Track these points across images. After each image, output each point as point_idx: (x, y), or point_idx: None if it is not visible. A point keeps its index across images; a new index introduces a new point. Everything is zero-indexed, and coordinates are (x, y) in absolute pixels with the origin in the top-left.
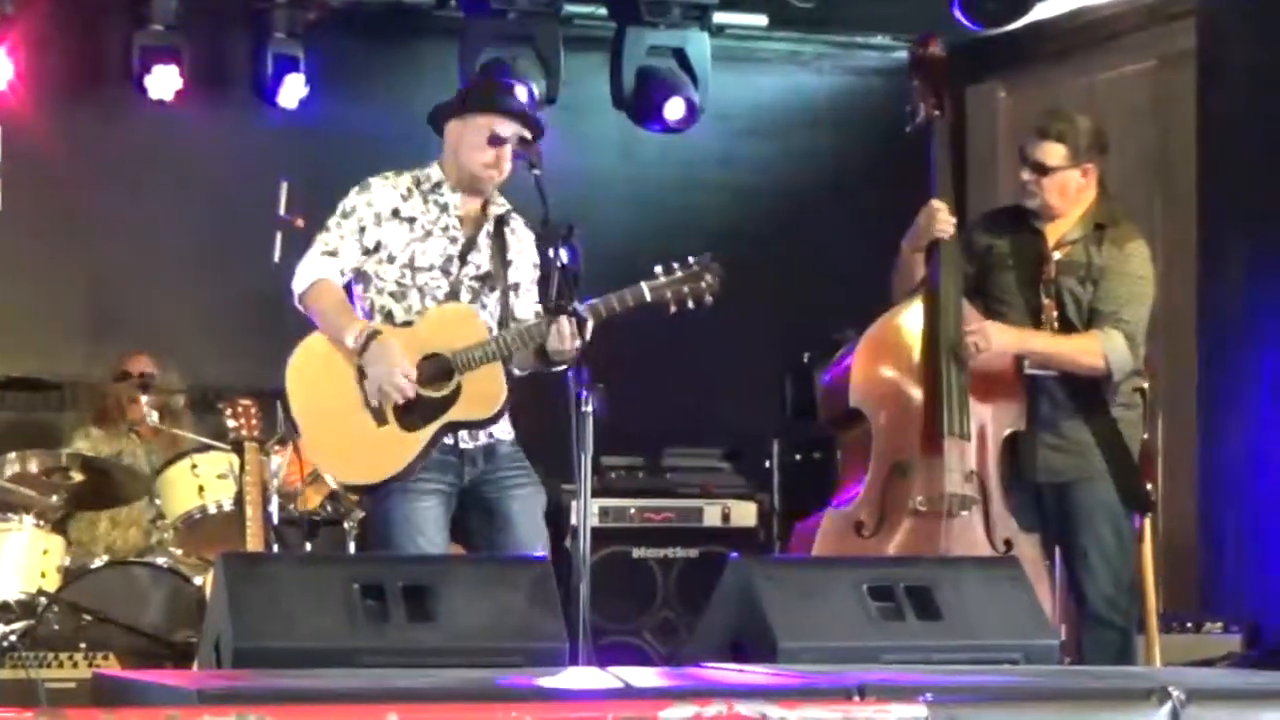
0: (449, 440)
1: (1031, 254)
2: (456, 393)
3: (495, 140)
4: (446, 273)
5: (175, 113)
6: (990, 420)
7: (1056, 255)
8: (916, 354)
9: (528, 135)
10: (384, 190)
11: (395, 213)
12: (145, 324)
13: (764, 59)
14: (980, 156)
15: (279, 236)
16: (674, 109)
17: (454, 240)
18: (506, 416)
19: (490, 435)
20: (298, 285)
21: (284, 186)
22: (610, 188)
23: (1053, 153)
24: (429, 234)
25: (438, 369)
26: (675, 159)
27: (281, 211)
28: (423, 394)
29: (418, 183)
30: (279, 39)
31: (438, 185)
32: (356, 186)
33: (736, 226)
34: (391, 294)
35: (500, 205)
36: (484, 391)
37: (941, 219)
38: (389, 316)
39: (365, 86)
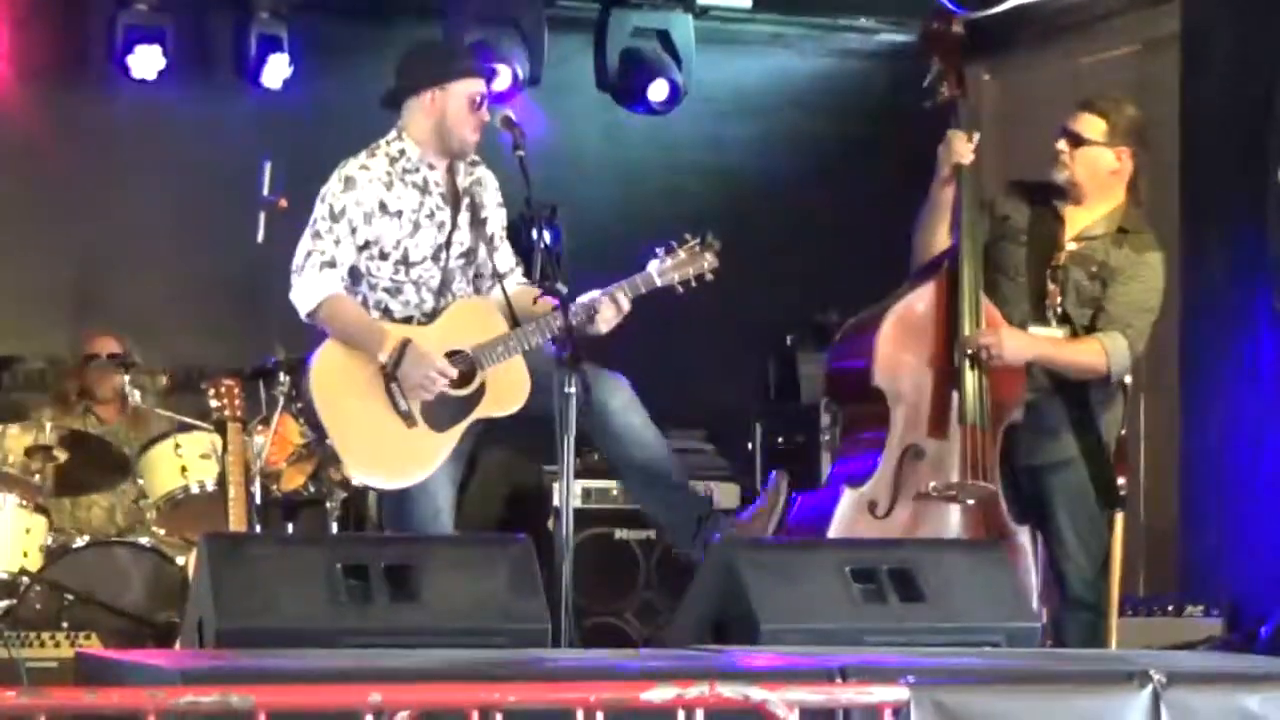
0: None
1: (1046, 235)
2: (481, 390)
3: (478, 104)
4: (437, 260)
5: (158, 92)
6: (1000, 412)
7: (1072, 246)
8: (939, 338)
9: (485, 93)
10: (369, 185)
11: (383, 206)
12: (127, 304)
13: (747, 41)
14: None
15: (262, 216)
16: (657, 90)
17: (441, 226)
18: None
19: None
20: (305, 304)
21: (267, 167)
22: (593, 169)
23: (1090, 125)
24: (417, 226)
25: (461, 366)
26: (658, 141)
27: (265, 192)
28: (449, 393)
29: (392, 161)
30: (263, 19)
31: (415, 163)
32: (339, 183)
33: (719, 208)
34: (386, 289)
35: (470, 171)
36: (509, 385)
37: (958, 144)
38: (386, 312)
39: (349, 66)
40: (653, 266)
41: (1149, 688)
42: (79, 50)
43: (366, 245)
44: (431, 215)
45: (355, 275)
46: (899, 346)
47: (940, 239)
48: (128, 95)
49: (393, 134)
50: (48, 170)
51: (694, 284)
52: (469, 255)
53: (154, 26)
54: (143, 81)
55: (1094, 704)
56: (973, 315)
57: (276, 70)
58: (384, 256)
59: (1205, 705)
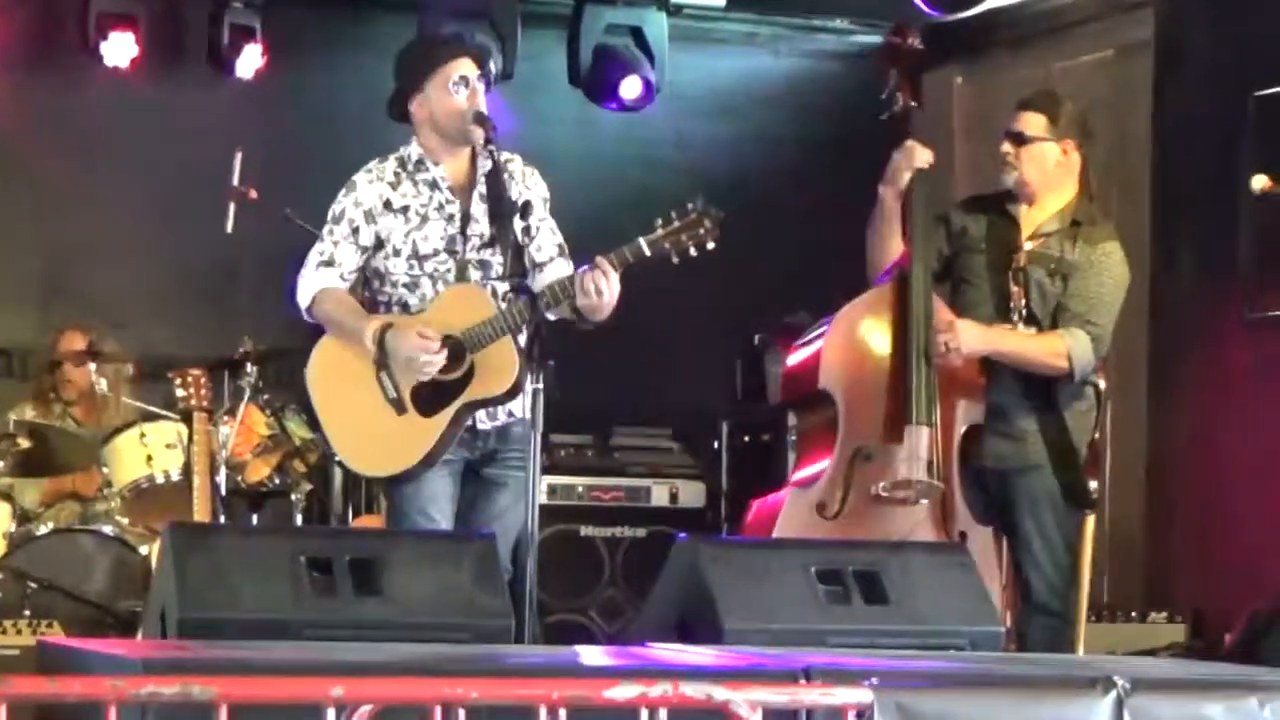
0: (468, 421)
1: (1004, 240)
2: (470, 372)
3: (460, 83)
4: (452, 253)
5: (131, 81)
6: (953, 412)
7: (1029, 246)
8: (889, 340)
9: (479, 69)
10: (369, 186)
11: (387, 204)
12: (96, 292)
13: (721, 40)
14: (936, 143)
15: (232, 207)
16: (630, 88)
17: (451, 219)
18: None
19: (510, 414)
20: (302, 300)
21: (238, 157)
22: (565, 165)
23: (1032, 122)
24: (425, 219)
25: (451, 351)
26: (631, 138)
27: (235, 181)
28: (438, 378)
29: (403, 164)
30: (236, 9)
31: (420, 163)
32: (343, 189)
33: None
34: (405, 285)
35: (486, 159)
36: (496, 367)
37: (919, 152)
38: (405, 308)
39: (322, 58)
40: (642, 237)
41: (1113, 693)
42: (51, 37)
43: (380, 245)
44: (441, 208)
45: (379, 276)
46: (845, 350)
47: (895, 248)
48: (100, 83)
49: (411, 139)
50: (18, 157)
51: (693, 253)
52: (491, 243)
53: (127, 14)
54: (115, 69)
55: (1057, 709)
56: (923, 312)
57: (250, 60)
58: (396, 253)
59: (1169, 712)
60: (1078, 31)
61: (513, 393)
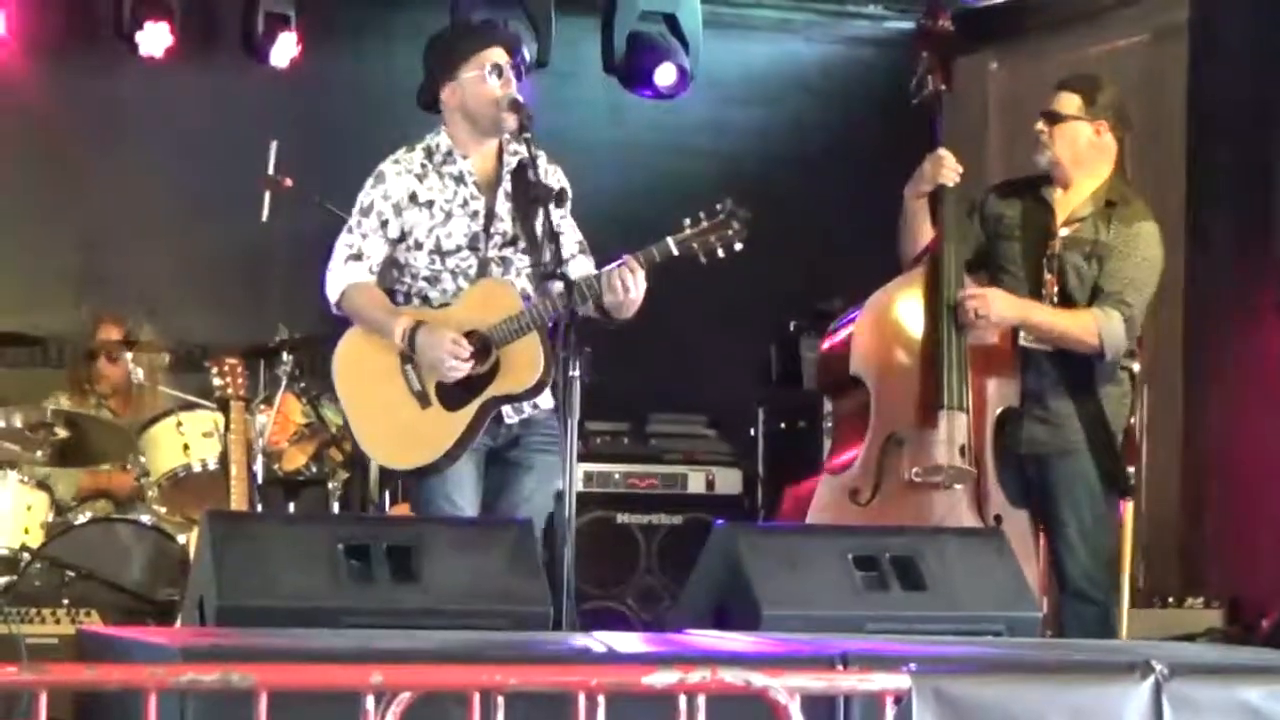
0: (494, 414)
1: (1038, 226)
2: (496, 368)
3: (494, 71)
4: (475, 249)
5: (166, 69)
6: (985, 395)
7: (1064, 231)
8: (919, 325)
9: (510, 58)
10: (398, 178)
11: (414, 198)
12: (132, 281)
13: (755, 26)
14: (970, 128)
15: (267, 195)
16: (664, 75)
17: (475, 215)
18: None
19: (535, 406)
20: (331, 294)
21: (273, 146)
22: (599, 153)
23: (1067, 101)
24: (449, 215)
25: (478, 346)
26: (665, 125)
27: (270, 170)
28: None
29: (430, 155)
30: None
31: (449, 155)
32: (371, 179)
33: (724, 194)
34: (425, 279)
35: (514, 153)
36: (522, 363)
37: (948, 165)
38: (426, 300)
39: (357, 46)
40: (670, 237)
41: (1151, 679)
42: (87, 26)
43: (403, 237)
44: (465, 204)
45: (399, 267)
46: (876, 335)
47: (923, 245)
48: (135, 72)
49: (439, 128)
50: (54, 146)
51: (720, 254)
52: (515, 241)
53: (162, 3)
54: (150, 58)
55: (1096, 694)
56: (954, 293)
57: (284, 49)
58: (419, 247)
59: (1207, 698)
60: (1113, 15)
61: (538, 388)
